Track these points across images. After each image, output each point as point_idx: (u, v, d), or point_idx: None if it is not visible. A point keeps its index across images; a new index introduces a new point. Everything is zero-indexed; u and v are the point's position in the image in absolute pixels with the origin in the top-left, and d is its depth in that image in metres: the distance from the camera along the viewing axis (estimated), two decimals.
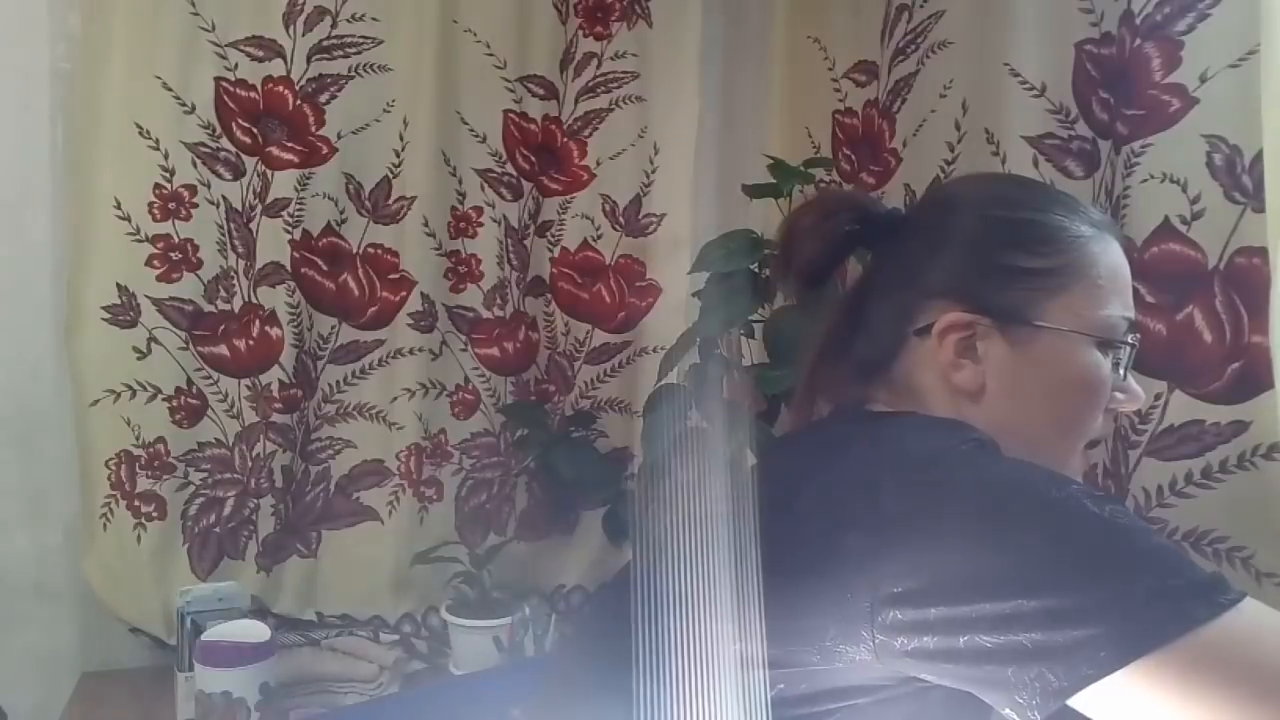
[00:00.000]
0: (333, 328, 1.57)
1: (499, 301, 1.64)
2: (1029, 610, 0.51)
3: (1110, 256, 0.72)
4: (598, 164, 1.69)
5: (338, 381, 1.58)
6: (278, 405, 1.51)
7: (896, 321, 0.74)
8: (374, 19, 1.52)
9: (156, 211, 1.44)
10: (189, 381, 1.49)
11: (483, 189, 1.62)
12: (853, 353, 0.77)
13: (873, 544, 0.57)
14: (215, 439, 1.51)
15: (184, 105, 1.44)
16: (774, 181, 1.36)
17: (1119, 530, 0.53)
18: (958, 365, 0.71)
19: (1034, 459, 0.68)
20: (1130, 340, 0.72)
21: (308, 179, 1.51)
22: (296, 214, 1.51)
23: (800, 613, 0.58)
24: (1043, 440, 0.71)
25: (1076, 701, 0.50)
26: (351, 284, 1.57)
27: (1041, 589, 0.51)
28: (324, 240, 1.54)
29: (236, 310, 1.51)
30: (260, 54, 1.47)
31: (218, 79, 1.45)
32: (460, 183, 1.61)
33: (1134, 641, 0.49)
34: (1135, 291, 0.99)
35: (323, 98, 1.52)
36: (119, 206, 1.42)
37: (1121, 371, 0.72)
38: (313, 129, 1.51)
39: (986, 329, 0.71)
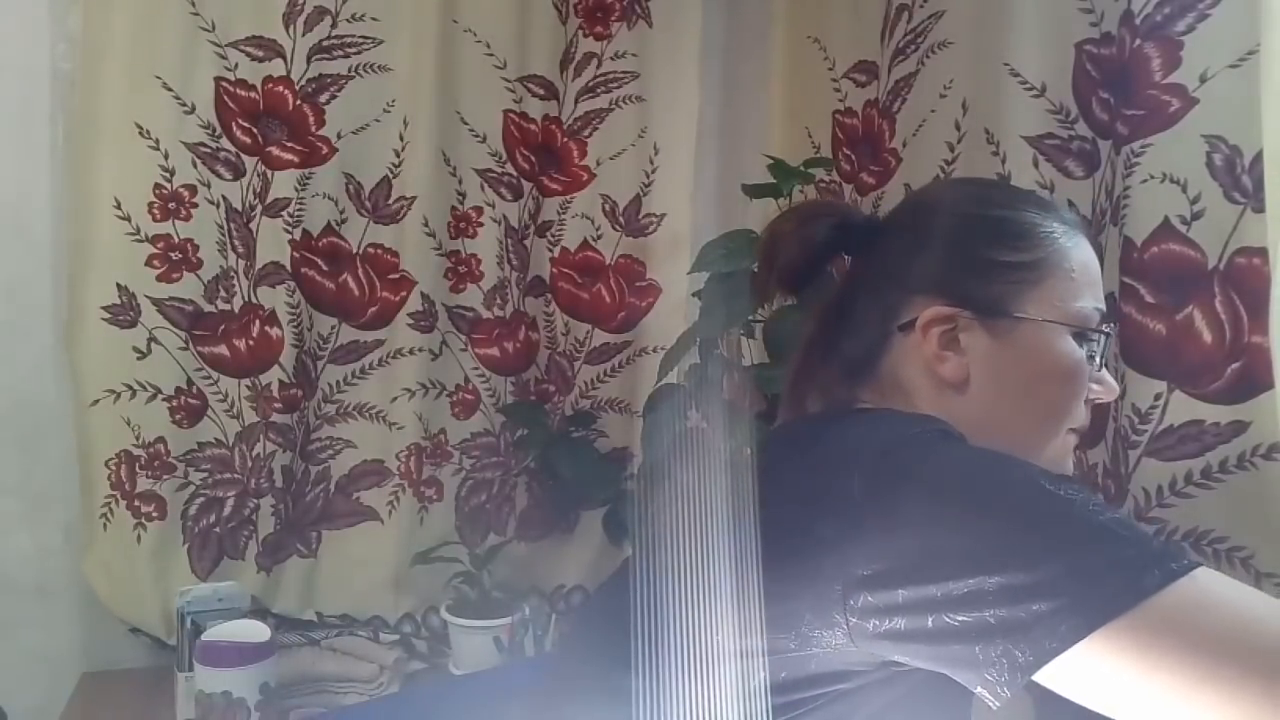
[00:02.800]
0: (333, 328, 1.57)
1: (499, 301, 1.64)
2: (991, 587, 0.52)
3: (1081, 252, 0.75)
4: (598, 164, 1.69)
5: (338, 381, 1.58)
6: (278, 405, 1.51)
7: (880, 319, 0.77)
8: (374, 19, 1.53)
9: (156, 211, 1.44)
10: (189, 381, 1.49)
11: (483, 189, 1.62)
12: (838, 352, 0.79)
13: (842, 528, 0.58)
14: (215, 439, 1.51)
15: (184, 105, 1.44)
16: (774, 181, 1.36)
17: (1073, 506, 0.54)
18: (942, 358, 0.73)
19: (1017, 447, 0.71)
20: (1105, 330, 0.75)
21: (308, 179, 1.51)
22: (296, 214, 1.51)
23: (776, 599, 0.59)
24: (1026, 428, 0.74)
25: (1043, 676, 0.51)
26: (351, 284, 1.57)
27: (1002, 566, 0.52)
28: (324, 240, 1.54)
29: (236, 310, 1.51)
30: (260, 54, 1.47)
31: (218, 79, 1.46)
32: (460, 183, 1.61)
33: (1093, 613, 0.50)
34: (1135, 291, 1.00)
35: (323, 98, 1.52)
36: (119, 206, 1.42)
37: (1097, 362, 0.74)
38: (313, 129, 1.51)
39: (968, 321, 0.73)
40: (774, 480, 0.65)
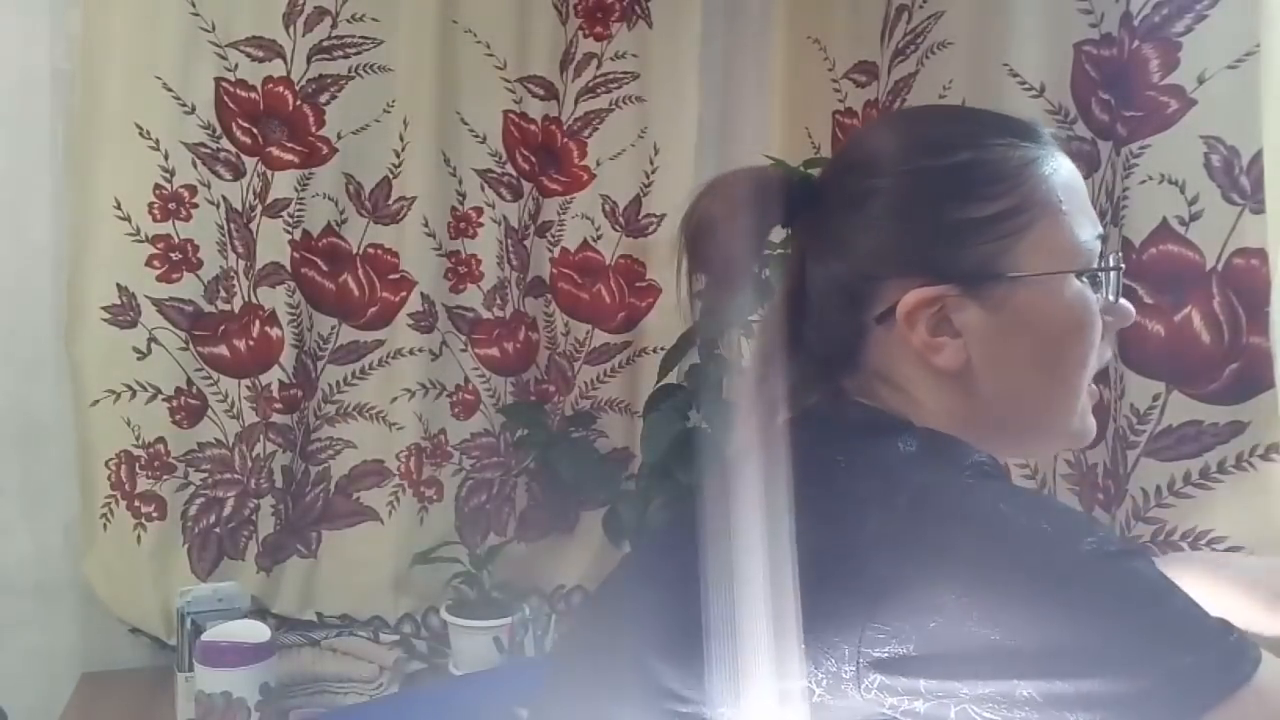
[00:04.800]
0: (333, 328, 1.57)
1: (499, 302, 1.64)
2: (1026, 692, 0.47)
3: (1062, 174, 0.65)
4: (598, 164, 1.69)
5: (338, 382, 1.58)
6: (278, 405, 1.51)
7: (850, 311, 0.66)
8: (374, 19, 1.53)
9: (156, 212, 1.44)
10: (189, 381, 1.49)
11: (483, 189, 1.62)
12: (806, 349, 0.68)
13: (857, 605, 0.51)
14: (215, 439, 1.51)
15: (184, 105, 1.44)
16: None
17: (1129, 602, 0.49)
18: (935, 346, 0.63)
19: (1041, 420, 0.65)
20: (1113, 264, 0.66)
21: (308, 179, 1.51)
22: (296, 214, 1.51)
23: (784, 675, 0.54)
24: (1046, 398, 0.65)
25: None
26: (351, 284, 1.57)
27: (1036, 669, 0.47)
28: (324, 240, 1.54)
29: (236, 310, 1.51)
30: (260, 54, 1.47)
31: (218, 79, 1.46)
32: (460, 183, 1.61)
33: None
34: (1134, 292, 1.00)
35: (323, 98, 1.52)
36: (119, 206, 1.42)
37: (1107, 295, 0.65)
38: (313, 129, 1.52)
39: (957, 299, 0.62)
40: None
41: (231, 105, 1.47)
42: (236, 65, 1.46)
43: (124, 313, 1.44)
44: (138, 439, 1.46)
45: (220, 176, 1.48)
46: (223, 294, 1.50)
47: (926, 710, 0.50)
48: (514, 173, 1.64)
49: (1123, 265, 0.67)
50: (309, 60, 1.50)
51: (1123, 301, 0.67)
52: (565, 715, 0.69)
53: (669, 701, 0.58)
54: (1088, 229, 0.65)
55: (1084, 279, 0.64)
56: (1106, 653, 0.47)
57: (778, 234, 0.72)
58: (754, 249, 0.68)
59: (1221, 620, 0.49)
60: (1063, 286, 0.63)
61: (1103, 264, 0.65)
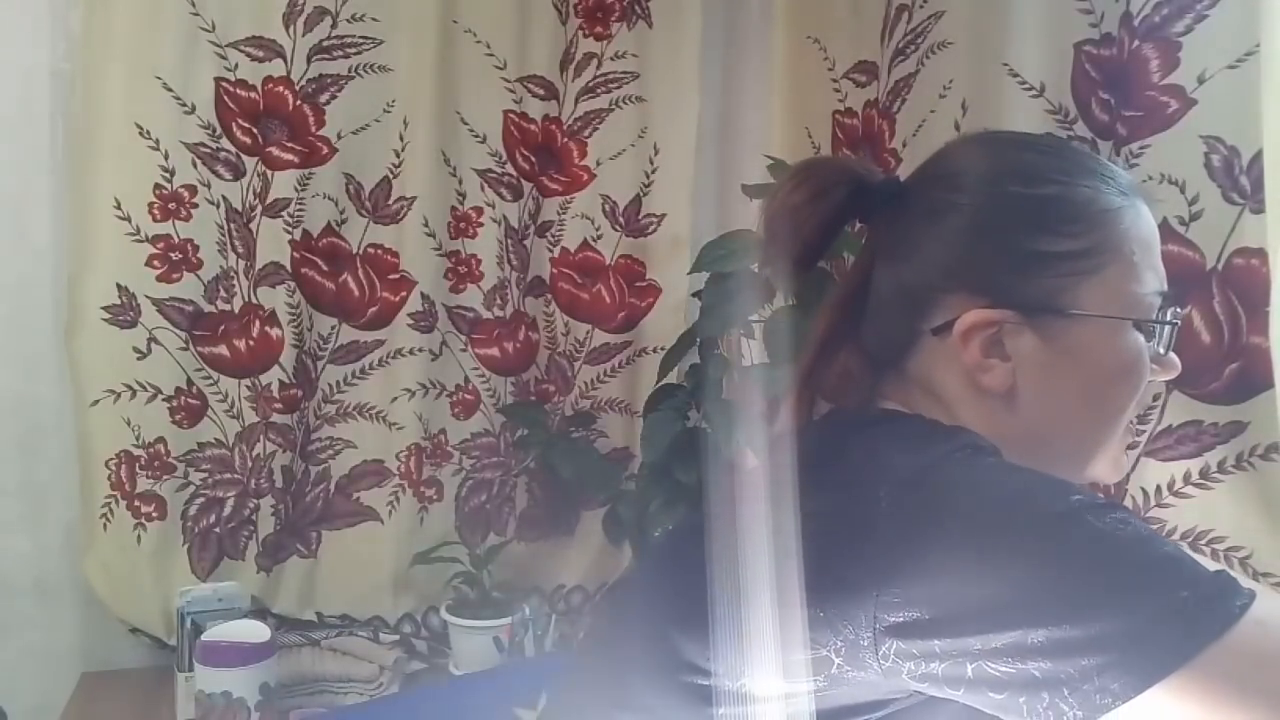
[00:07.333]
0: (333, 328, 1.57)
1: (499, 302, 1.65)
2: (1036, 640, 0.49)
3: (1141, 227, 0.66)
4: (598, 164, 1.69)
5: (338, 382, 1.59)
6: (278, 405, 1.51)
7: (908, 316, 0.68)
8: (374, 19, 1.53)
9: (156, 212, 1.44)
10: (189, 381, 1.49)
11: (483, 189, 1.62)
12: (858, 345, 0.71)
13: (868, 572, 0.54)
14: (215, 439, 1.52)
15: (184, 105, 1.44)
16: (774, 181, 1.37)
17: (1122, 546, 0.51)
18: (985, 366, 0.65)
19: (1074, 455, 0.67)
20: (1170, 319, 0.68)
21: (308, 179, 1.51)
22: (296, 214, 1.51)
23: (801, 646, 0.56)
24: (1083, 434, 0.67)
25: None
26: (351, 284, 1.57)
27: (1046, 616, 0.49)
28: (324, 240, 1.54)
29: (236, 310, 1.51)
30: (260, 54, 1.47)
31: (218, 79, 1.46)
32: (460, 183, 1.61)
33: (1146, 669, 0.47)
34: None
35: (323, 98, 1.52)
36: (119, 206, 1.42)
37: (1162, 349, 0.68)
38: (313, 129, 1.52)
39: (1015, 324, 0.64)
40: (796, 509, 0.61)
41: (231, 105, 1.47)
42: (236, 65, 1.46)
43: (124, 313, 1.44)
44: (138, 439, 1.46)
45: (220, 176, 1.48)
46: (223, 294, 1.50)
47: (944, 671, 0.52)
48: (514, 173, 1.64)
49: (1179, 321, 0.69)
50: (309, 60, 1.50)
51: (1172, 355, 0.70)
52: (588, 692, 0.70)
53: (689, 674, 0.60)
54: (1153, 283, 0.67)
55: (1141, 329, 0.66)
56: (1107, 594, 0.49)
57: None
58: (829, 238, 0.70)
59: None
60: (1119, 332, 0.65)
61: (1160, 316, 0.67)
